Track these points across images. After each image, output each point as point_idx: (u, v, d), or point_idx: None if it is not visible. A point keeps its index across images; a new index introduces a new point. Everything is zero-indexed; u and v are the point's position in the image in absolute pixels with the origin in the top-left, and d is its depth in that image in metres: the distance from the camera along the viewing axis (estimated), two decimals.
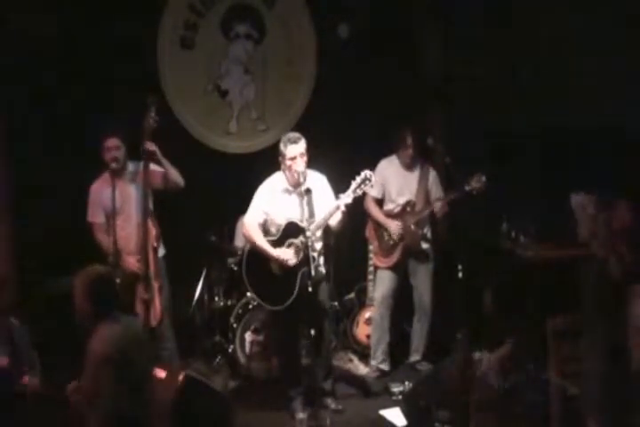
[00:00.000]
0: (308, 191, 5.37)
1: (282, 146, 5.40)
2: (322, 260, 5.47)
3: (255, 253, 5.48)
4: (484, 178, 5.85)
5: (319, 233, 5.40)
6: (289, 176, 5.43)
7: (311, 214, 5.32)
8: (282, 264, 5.35)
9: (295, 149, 5.34)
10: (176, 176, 5.54)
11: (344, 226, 5.42)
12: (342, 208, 5.24)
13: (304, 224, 5.28)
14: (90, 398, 3.82)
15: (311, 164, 5.44)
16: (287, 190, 5.45)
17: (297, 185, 5.34)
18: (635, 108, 6.07)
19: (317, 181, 5.48)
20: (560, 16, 6.42)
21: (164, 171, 5.50)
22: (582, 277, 4.31)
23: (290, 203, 5.42)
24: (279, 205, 5.46)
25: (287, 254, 5.35)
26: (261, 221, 5.51)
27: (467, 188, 5.88)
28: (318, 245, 5.44)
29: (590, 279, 4.25)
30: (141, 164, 5.46)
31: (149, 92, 5.48)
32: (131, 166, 5.57)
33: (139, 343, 3.98)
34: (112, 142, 5.49)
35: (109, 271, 4.15)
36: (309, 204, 5.35)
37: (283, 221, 5.42)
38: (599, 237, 4.21)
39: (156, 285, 5.44)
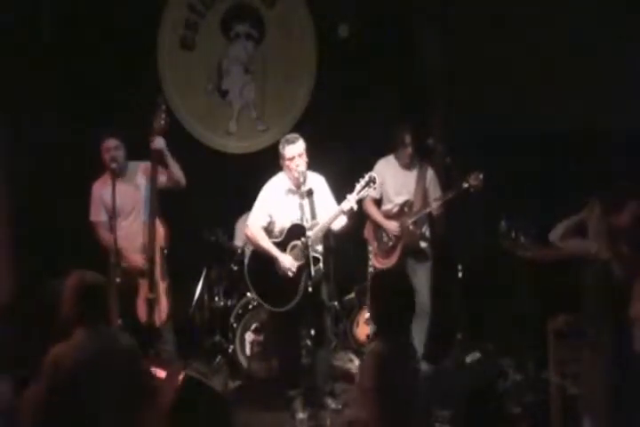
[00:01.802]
0: (311, 193, 5.37)
1: (280, 147, 5.41)
2: (321, 261, 5.47)
3: (258, 255, 5.48)
4: (481, 176, 5.85)
5: (320, 235, 5.40)
6: (290, 177, 5.43)
7: (313, 216, 5.33)
8: (283, 271, 5.36)
9: (293, 149, 5.34)
10: (179, 174, 5.55)
11: (347, 230, 5.42)
12: (346, 212, 5.24)
13: (306, 225, 5.28)
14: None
15: (311, 164, 5.43)
16: (290, 191, 5.44)
17: (298, 186, 5.34)
18: (635, 107, 6.08)
19: (317, 183, 5.48)
20: (560, 16, 6.42)
21: (167, 170, 5.50)
22: (584, 278, 4.30)
23: (293, 204, 5.41)
24: (283, 206, 5.45)
25: (290, 262, 5.35)
26: (265, 223, 5.50)
27: (464, 185, 5.88)
28: (319, 247, 5.44)
29: (592, 280, 4.24)
30: (142, 164, 5.48)
31: (158, 93, 5.49)
32: (131, 166, 5.57)
33: (111, 358, 3.82)
34: (111, 143, 5.49)
35: (103, 279, 4.08)
36: (311, 205, 5.35)
37: (287, 223, 5.41)
38: (601, 238, 4.20)
39: (163, 284, 5.45)
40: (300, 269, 5.34)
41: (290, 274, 5.32)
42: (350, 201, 5.24)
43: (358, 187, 5.26)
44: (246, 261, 5.64)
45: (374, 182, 5.27)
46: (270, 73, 7.19)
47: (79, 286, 3.84)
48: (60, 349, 3.76)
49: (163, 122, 5.44)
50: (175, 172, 5.52)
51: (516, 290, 6.24)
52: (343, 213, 5.27)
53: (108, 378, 3.77)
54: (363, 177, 5.29)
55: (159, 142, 5.42)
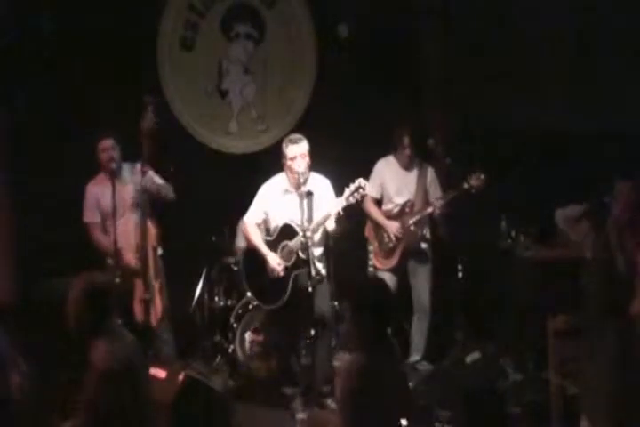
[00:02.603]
0: (310, 194, 5.35)
1: (283, 146, 5.41)
2: (320, 264, 5.47)
3: (253, 252, 5.50)
4: (482, 176, 5.85)
5: (317, 238, 5.40)
6: (290, 177, 5.43)
7: (310, 218, 5.31)
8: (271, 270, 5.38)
9: (295, 149, 5.34)
10: (167, 191, 5.57)
11: (340, 233, 5.41)
12: (333, 215, 5.23)
13: (303, 226, 5.26)
14: (89, 413, 3.72)
15: (311, 164, 5.43)
16: (288, 191, 5.45)
17: (298, 186, 5.33)
18: (635, 110, 6.08)
19: (320, 185, 5.45)
20: (560, 15, 6.42)
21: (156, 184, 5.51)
22: (585, 277, 4.29)
23: (290, 204, 5.41)
24: (279, 205, 5.47)
25: (275, 262, 5.36)
26: (260, 221, 5.55)
27: (465, 186, 5.88)
28: (317, 250, 5.44)
29: (594, 279, 4.23)
30: (137, 165, 5.47)
31: (146, 93, 5.47)
32: (126, 167, 5.57)
33: (138, 356, 3.88)
34: (107, 143, 5.49)
35: (110, 280, 4.08)
36: (309, 207, 5.33)
37: (280, 223, 5.43)
38: (605, 237, 4.19)
39: (156, 284, 5.46)
40: (289, 268, 5.34)
41: (275, 273, 5.34)
42: (336, 205, 5.22)
43: (347, 192, 5.23)
44: (242, 256, 5.67)
45: (363, 189, 5.23)
46: (270, 73, 7.18)
47: (92, 290, 3.79)
48: (100, 353, 3.74)
49: (151, 122, 5.42)
50: (163, 189, 5.54)
51: (516, 290, 6.23)
52: (330, 215, 5.25)
53: (139, 373, 3.82)
54: (353, 182, 5.25)
55: (145, 167, 5.38)
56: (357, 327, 3.64)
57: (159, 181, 5.54)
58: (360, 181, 5.22)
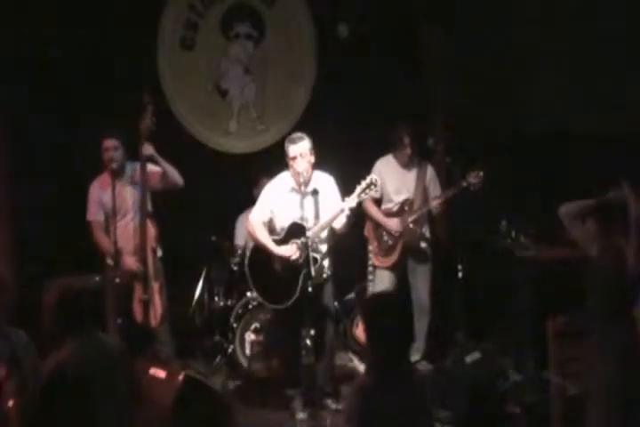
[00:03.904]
0: (315, 192, 5.35)
1: (285, 146, 5.41)
2: (327, 262, 5.46)
3: (259, 251, 5.48)
4: (481, 174, 5.86)
5: (324, 235, 5.39)
6: (293, 175, 5.42)
7: (316, 216, 5.31)
8: (285, 260, 5.33)
9: (295, 149, 5.33)
10: (175, 176, 5.52)
11: (348, 229, 5.42)
12: (347, 212, 5.23)
13: (308, 225, 5.26)
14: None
15: (314, 164, 5.43)
16: (293, 190, 5.43)
17: (301, 185, 5.34)
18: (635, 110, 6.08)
19: (325, 183, 5.45)
20: (562, 15, 6.42)
21: (163, 171, 5.49)
22: (588, 277, 4.28)
23: (295, 203, 5.40)
24: (284, 204, 5.45)
25: (290, 251, 5.33)
26: (266, 219, 5.51)
27: (464, 184, 5.88)
28: (323, 247, 5.43)
29: (597, 278, 4.21)
30: (139, 165, 5.47)
31: (145, 93, 5.46)
32: (129, 167, 5.56)
33: (108, 366, 3.62)
34: (110, 143, 5.47)
35: (90, 283, 3.92)
36: (315, 205, 5.33)
37: (287, 221, 5.41)
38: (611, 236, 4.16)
39: (155, 285, 5.44)
40: (299, 266, 5.33)
41: (293, 258, 5.28)
42: (349, 202, 5.22)
43: (358, 189, 5.24)
44: (247, 254, 5.63)
45: (375, 185, 5.24)
46: (270, 73, 7.19)
47: (60, 300, 3.60)
48: (50, 363, 3.55)
49: (150, 122, 5.40)
50: (171, 173, 5.51)
51: (516, 290, 6.23)
52: (342, 212, 5.25)
53: (99, 387, 3.56)
54: (364, 179, 5.26)
55: (147, 149, 5.39)
56: (370, 352, 3.49)
57: (166, 166, 5.48)
58: (372, 178, 5.23)
